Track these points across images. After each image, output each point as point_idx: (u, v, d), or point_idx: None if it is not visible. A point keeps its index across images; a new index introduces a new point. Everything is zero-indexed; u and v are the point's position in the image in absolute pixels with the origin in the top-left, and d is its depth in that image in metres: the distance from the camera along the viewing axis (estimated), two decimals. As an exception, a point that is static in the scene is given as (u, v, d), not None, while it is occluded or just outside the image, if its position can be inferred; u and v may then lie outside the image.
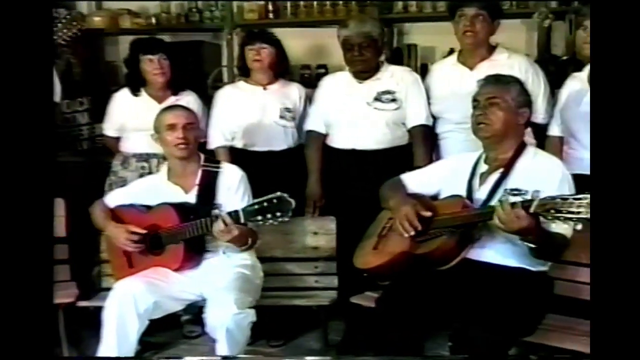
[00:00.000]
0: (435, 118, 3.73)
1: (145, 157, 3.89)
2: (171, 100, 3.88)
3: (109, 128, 4.10)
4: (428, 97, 3.73)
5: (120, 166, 3.99)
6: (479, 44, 3.55)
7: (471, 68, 3.57)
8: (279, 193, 2.95)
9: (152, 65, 3.89)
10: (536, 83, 3.51)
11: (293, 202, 2.96)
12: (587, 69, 3.36)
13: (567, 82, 3.46)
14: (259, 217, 2.97)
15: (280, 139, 3.88)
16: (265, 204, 2.96)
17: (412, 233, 2.85)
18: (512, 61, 3.55)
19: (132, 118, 3.93)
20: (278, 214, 2.94)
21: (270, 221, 2.96)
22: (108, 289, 3.19)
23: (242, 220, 3.02)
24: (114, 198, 3.45)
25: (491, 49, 3.60)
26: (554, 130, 3.45)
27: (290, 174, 3.77)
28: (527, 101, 2.94)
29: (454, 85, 3.58)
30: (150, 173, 3.79)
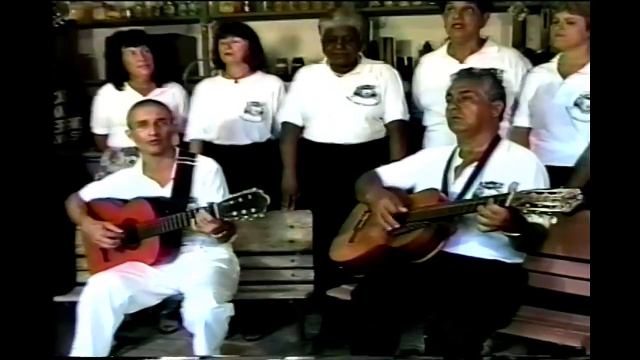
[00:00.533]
0: (423, 111, 3.74)
1: (133, 151, 3.80)
2: (156, 92, 3.85)
3: (97, 126, 4.07)
4: (417, 90, 3.75)
5: (109, 161, 3.95)
6: (468, 36, 3.57)
7: (461, 61, 3.56)
8: (254, 189, 2.94)
9: (136, 58, 3.85)
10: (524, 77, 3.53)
11: (268, 198, 2.94)
12: (555, 60, 3.40)
13: (533, 73, 3.48)
14: (234, 213, 2.96)
15: (242, 134, 3.86)
16: (240, 199, 2.94)
17: (397, 225, 2.85)
18: (502, 54, 3.58)
19: (117, 113, 3.82)
20: (253, 210, 2.93)
21: (245, 217, 2.95)
22: (83, 284, 3.16)
23: (217, 216, 3.00)
24: (89, 192, 3.41)
25: (481, 42, 3.62)
26: (522, 121, 3.45)
27: (255, 169, 3.73)
28: (500, 94, 2.95)
29: (443, 77, 3.57)
30: None
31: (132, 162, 3.77)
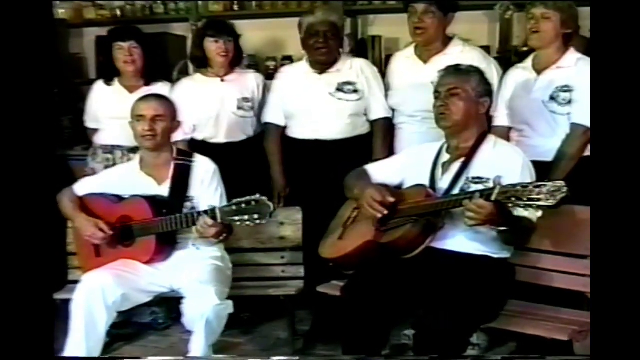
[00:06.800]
0: (392, 110, 3.75)
1: (110, 149, 3.89)
2: (143, 90, 3.82)
3: (87, 120, 4.10)
4: (387, 88, 3.76)
5: (90, 157, 4.00)
6: (431, 39, 3.56)
7: (425, 61, 3.58)
8: (258, 195, 2.94)
9: (122, 53, 3.85)
10: (489, 76, 3.51)
11: (272, 205, 2.95)
12: (529, 60, 3.40)
13: (510, 72, 3.48)
14: (236, 218, 2.96)
15: (239, 130, 3.87)
16: (243, 205, 2.95)
17: (385, 212, 2.87)
18: (465, 55, 3.51)
19: (104, 108, 3.94)
20: (255, 216, 2.93)
21: (247, 223, 2.95)
22: (75, 282, 3.17)
23: (219, 220, 3.01)
24: (83, 186, 3.39)
25: (447, 41, 3.61)
26: (502, 121, 3.43)
27: (252, 164, 3.78)
28: (487, 91, 2.97)
29: (408, 77, 3.60)
30: (114, 165, 3.77)
31: (108, 160, 3.87)
